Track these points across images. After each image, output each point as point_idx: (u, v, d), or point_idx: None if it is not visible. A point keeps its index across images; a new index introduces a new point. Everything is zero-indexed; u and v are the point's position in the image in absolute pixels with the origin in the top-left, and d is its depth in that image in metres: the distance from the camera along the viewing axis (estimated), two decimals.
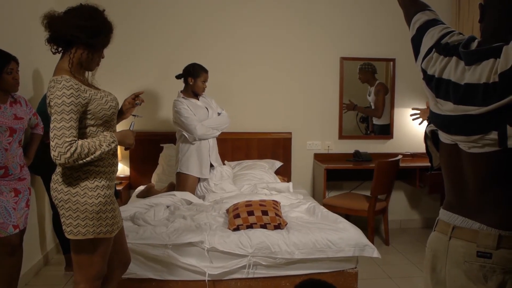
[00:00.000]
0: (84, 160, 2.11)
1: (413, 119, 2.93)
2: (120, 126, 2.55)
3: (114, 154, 2.34)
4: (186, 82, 4.33)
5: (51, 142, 2.07)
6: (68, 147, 2.05)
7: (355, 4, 5.25)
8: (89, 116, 2.20)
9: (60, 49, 2.25)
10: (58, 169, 2.24)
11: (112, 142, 2.21)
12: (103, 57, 2.34)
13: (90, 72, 2.33)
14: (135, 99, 2.58)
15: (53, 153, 2.05)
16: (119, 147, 2.39)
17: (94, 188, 2.21)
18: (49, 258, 4.21)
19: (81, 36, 2.16)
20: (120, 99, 2.49)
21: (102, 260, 2.31)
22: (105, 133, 2.25)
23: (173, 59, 4.93)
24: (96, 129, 2.24)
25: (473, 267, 1.37)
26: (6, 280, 3.10)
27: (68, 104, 2.08)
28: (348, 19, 5.26)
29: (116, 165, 2.38)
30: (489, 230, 1.35)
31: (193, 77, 4.27)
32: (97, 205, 2.20)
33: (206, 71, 4.32)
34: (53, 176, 2.26)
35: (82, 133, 2.20)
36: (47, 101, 2.14)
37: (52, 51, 2.26)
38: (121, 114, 2.57)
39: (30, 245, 3.68)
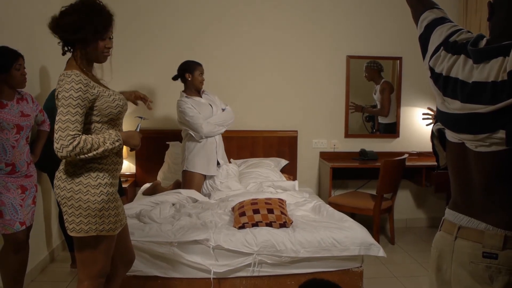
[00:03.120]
0: (86, 156, 2.11)
1: (424, 119, 2.90)
2: (125, 127, 2.55)
3: (118, 153, 2.34)
4: (184, 80, 4.35)
5: (55, 134, 2.08)
6: (71, 141, 2.05)
7: (361, 2, 5.23)
8: (95, 112, 2.20)
9: (70, 48, 2.28)
10: (61, 166, 2.25)
11: (117, 141, 2.21)
12: (109, 47, 2.30)
13: (101, 70, 2.35)
14: (144, 100, 2.59)
15: (56, 145, 2.06)
16: (124, 147, 2.39)
17: (96, 186, 2.21)
18: (55, 255, 4.23)
19: (69, 37, 2.19)
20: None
21: (106, 258, 2.31)
22: (110, 131, 2.25)
23: (179, 57, 4.91)
24: (101, 126, 2.24)
25: (479, 267, 1.36)
26: (12, 277, 3.12)
27: (75, 98, 2.09)
28: (355, 18, 5.24)
29: (120, 163, 2.39)
30: (495, 230, 1.34)
31: (189, 73, 4.30)
32: (100, 202, 2.21)
33: (200, 64, 4.36)
34: (56, 173, 2.27)
35: (86, 129, 2.21)
36: (56, 94, 2.15)
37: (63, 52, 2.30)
38: None
39: (36, 242, 3.70)
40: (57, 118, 2.09)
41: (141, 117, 2.64)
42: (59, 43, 2.26)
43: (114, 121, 2.30)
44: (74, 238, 2.26)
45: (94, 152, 2.12)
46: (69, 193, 2.19)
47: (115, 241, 2.38)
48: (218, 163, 4.42)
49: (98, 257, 2.28)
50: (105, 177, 2.25)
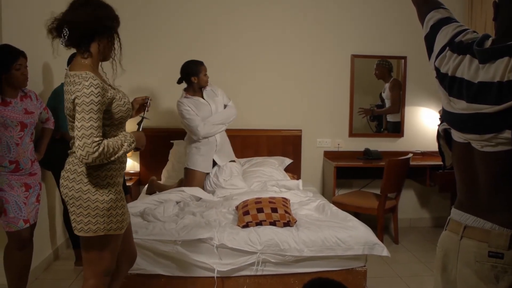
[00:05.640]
0: (108, 160, 2.12)
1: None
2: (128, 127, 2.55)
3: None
4: (189, 82, 4.34)
5: (77, 141, 2.05)
6: (97, 147, 2.04)
7: (366, 1, 5.22)
8: (106, 116, 2.17)
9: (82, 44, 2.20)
10: (68, 166, 2.23)
11: (132, 142, 2.22)
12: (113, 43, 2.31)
13: (113, 71, 2.33)
14: (145, 99, 2.58)
15: (81, 153, 2.03)
16: None
17: (105, 185, 2.21)
18: (59, 252, 4.24)
19: (108, 24, 2.16)
20: (129, 94, 2.48)
21: (112, 256, 2.32)
22: (124, 133, 2.26)
23: (182, 55, 4.90)
24: (109, 129, 2.22)
25: (485, 267, 1.36)
26: (16, 274, 3.13)
27: (97, 103, 2.06)
28: (359, 17, 5.23)
29: (126, 162, 2.40)
30: (501, 230, 1.34)
31: (195, 76, 4.27)
32: (108, 202, 2.21)
33: (202, 63, 4.32)
34: (63, 173, 2.25)
35: None
36: (71, 97, 2.08)
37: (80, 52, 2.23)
38: None
39: (40, 240, 3.71)
40: (78, 124, 2.04)
41: (143, 117, 2.62)
42: (73, 41, 2.17)
43: (121, 124, 2.29)
44: (81, 237, 2.25)
45: (115, 156, 2.14)
46: (78, 193, 2.17)
47: (121, 239, 2.38)
48: (215, 164, 4.42)
49: (105, 256, 2.28)
50: (113, 177, 2.25)
